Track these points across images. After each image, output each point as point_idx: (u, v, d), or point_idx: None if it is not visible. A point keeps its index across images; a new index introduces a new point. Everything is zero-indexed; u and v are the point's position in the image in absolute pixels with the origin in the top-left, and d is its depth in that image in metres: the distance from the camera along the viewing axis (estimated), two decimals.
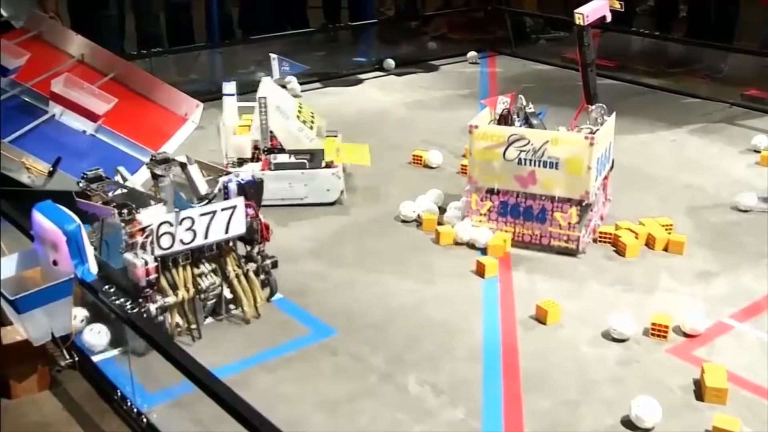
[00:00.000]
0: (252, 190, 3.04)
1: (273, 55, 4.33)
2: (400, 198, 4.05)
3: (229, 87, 4.09)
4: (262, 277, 3.14)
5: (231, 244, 3.01)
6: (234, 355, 2.89)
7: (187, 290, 2.90)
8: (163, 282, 2.84)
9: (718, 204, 4.15)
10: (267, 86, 4.10)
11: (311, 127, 4.19)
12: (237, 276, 3.03)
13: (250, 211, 3.01)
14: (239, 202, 2.95)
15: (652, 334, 3.00)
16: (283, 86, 6.14)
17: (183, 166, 2.99)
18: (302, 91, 6.15)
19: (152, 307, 2.79)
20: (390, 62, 6.84)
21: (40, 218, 2.59)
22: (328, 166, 4.03)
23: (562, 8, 7.70)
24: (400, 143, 5.04)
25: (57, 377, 2.74)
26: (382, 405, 2.65)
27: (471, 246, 3.67)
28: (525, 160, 3.51)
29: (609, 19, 3.71)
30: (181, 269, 2.88)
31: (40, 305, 2.46)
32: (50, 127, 4.14)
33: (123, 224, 2.73)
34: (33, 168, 3.79)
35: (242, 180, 3.04)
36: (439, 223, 3.84)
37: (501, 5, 7.89)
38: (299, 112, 4.24)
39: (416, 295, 3.32)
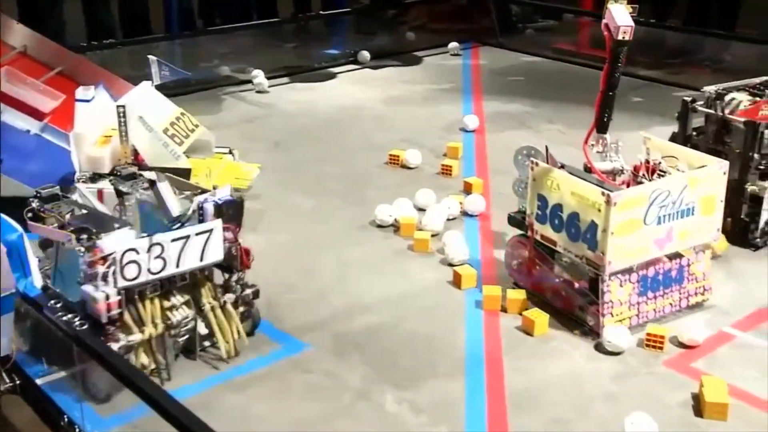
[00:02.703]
0: (231, 211, 2.90)
1: (152, 58, 4.20)
2: (376, 201, 4.07)
3: (83, 92, 3.83)
4: (242, 308, 3.01)
5: (206, 272, 2.90)
6: (198, 374, 2.89)
7: (155, 326, 2.77)
8: (128, 317, 2.72)
9: None
10: (138, 92, 3.92)
11: (181, 143, 3.95)
12: (213, 308, 2.91)
13: (229, 235, 2.89)
14: (216, 225, 2.83)
15: (647, 346, 3.03)
16: (249, 81, 6.20)
17: (152, 183, 2.84)
18: (270, 86, 6.18)
19: (115, 347, 2.66)
20: (365, 54, 6.86)
21: None
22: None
23: None
24: (377, 142, 5.06)
25: None
26: (358, 426, 2.66)
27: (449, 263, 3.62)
28: (664, 216, 3.09)
29: None
30: (148, 302, 2.75)
31: None
32: None
33: (82, 252, 2.61)
34: None
35: (220, 200, 2.90)
36: (419, 229, 3.87)
37: None
38: (175, 122, 4.01)
39: (394, 306, 3.33)
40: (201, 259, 2.81)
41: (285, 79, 6.43)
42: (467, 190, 4.32)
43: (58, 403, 2.62)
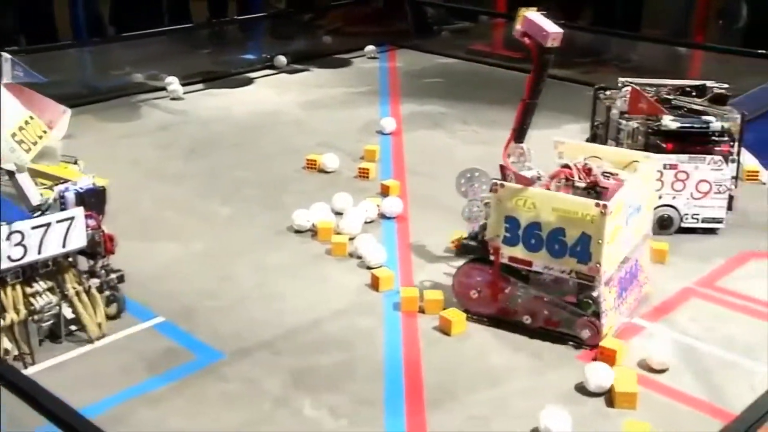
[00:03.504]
0: (93, 200, 3.04)
1: (5, 55, 4.09)
2: (294, 207, 4.04)
3: None
4: (108, 293, 3.14)
5: (70, 259, 2.99)
6: (111, 388, 2.83)
7: (18, 312, 2.85)
8: None
9: None
10: None
11: (29, 149, 3.68)
12: (77, 293, 3.00)
13: (92, 222, 3.01)
14: (78, 212, 2.93)
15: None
16: (164, 88, 6.09)
17: (11, 174, 2.94)
18: (185, 93, 6.08)
19: None
20: (281, 59, 6.83)
21: None
22: None
23: None
24: (294, 147, 5.04)
25: None
26: None
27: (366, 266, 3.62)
28: (629, 217, 3.10)
29: None
30: (9, 289, 2.83)
31: None
32: None
33: None
34: None
35: (81, 188, 3.03)
36: (337, 233, 3.86)
37: None
38: (23, 127, 3.94)
39: (312, 311, 3.32)
40: (63, 246, 2.90)
41: (200, 86, 6.33)
42: (384, 192, 4.33)
43: None
